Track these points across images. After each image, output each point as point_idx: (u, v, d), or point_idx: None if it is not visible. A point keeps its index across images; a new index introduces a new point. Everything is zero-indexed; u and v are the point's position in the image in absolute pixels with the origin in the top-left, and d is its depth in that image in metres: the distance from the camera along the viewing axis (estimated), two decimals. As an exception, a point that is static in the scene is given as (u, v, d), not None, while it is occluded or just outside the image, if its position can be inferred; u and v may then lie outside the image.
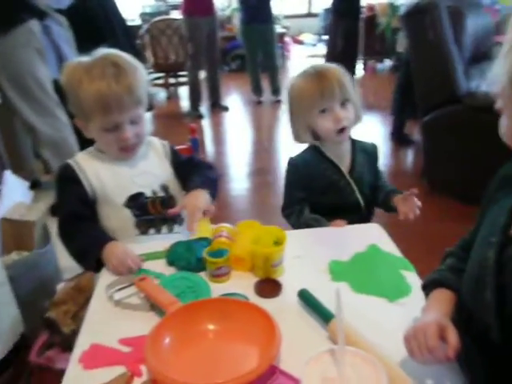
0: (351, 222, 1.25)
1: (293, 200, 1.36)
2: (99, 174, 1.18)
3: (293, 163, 1.37)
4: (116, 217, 1.20)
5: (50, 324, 1.36)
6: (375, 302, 0.92)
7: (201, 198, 1.14)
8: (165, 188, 1.25)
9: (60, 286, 1.53)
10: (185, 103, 5.31)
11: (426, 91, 2.86)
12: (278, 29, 6.09)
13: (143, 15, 6.52)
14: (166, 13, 6.49)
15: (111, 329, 0.87)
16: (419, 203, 1.19)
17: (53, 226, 1.42)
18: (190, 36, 4.55)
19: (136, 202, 1.21)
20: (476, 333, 0.71)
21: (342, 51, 5.16)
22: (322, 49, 6.93)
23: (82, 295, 1.39)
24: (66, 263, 1.59)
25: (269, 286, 0.96)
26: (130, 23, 4.75)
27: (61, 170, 1.22)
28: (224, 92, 5.26)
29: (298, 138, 1.34)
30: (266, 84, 5.24)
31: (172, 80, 5.82)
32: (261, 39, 4.90)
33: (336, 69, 1.27)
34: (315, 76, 1.25)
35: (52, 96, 2.44)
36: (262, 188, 3.18)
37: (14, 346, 1.53)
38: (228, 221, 1.20)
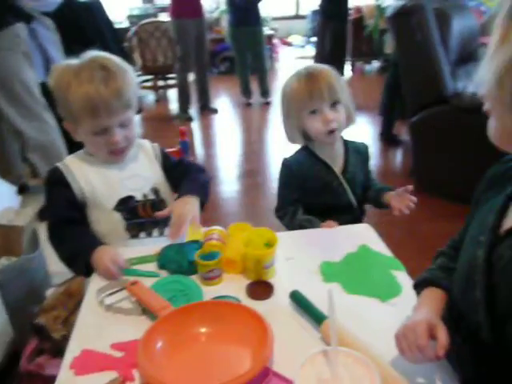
0: (344, 222, 1.25)
1: (286, 201, 1.36)
2: (89, 177, 1.17)
3: (286, 164, 1.36)
4: (106, 220, 1.19)
5: (39, 330, 1.35)
6: (367, 302, 0.93)
7: (189, 205, 1.12)
8: (155, 191, 1.24)
9: (50, 292, 1.51)
10: (174, 106, 5.29)
11: (414, 92, 2.89)
12: (267, 31, 6.09)
13: (131, 17, 6.48)
14: (154, 15, 6.48)
15: (103, 334, 0.87)
16: (415, 199, 1.18)
17: (42, 230, 1.41)
18: (179, 38, 4.53)
19: (126, 205, 1.20)
20: (467, 332, 0.72)
21: (330, 53, 5.21)
22: (311, 50, 6.98)
23: (72, 300, 1.38)
24: (56, 268, 1.58)
25: (260, 288, 0.96)
26: (117, 26, 4.73)
27: (50, 174, 1.20)
28: (213, 94, 5.26)
29: (290, 138, 1.35)
30: (255, 86, 5.23)
31: (161, 82, 5.81)
32: (249, 41, 4.90)
33: (327, 70, 1.27)
34: (305, 77, 1.26)
35: (39, 99, 2.42)
36: (252, 190, 3.18)
37: (7, 353, 1.51)
38: (219, 223, 1.20)
